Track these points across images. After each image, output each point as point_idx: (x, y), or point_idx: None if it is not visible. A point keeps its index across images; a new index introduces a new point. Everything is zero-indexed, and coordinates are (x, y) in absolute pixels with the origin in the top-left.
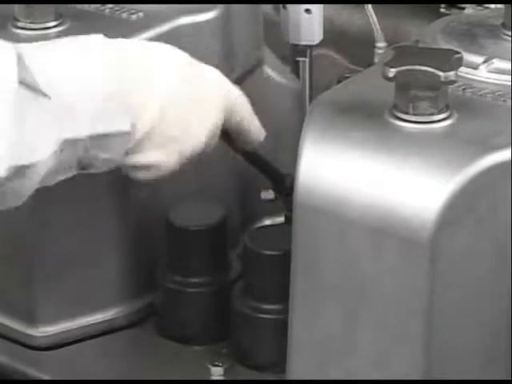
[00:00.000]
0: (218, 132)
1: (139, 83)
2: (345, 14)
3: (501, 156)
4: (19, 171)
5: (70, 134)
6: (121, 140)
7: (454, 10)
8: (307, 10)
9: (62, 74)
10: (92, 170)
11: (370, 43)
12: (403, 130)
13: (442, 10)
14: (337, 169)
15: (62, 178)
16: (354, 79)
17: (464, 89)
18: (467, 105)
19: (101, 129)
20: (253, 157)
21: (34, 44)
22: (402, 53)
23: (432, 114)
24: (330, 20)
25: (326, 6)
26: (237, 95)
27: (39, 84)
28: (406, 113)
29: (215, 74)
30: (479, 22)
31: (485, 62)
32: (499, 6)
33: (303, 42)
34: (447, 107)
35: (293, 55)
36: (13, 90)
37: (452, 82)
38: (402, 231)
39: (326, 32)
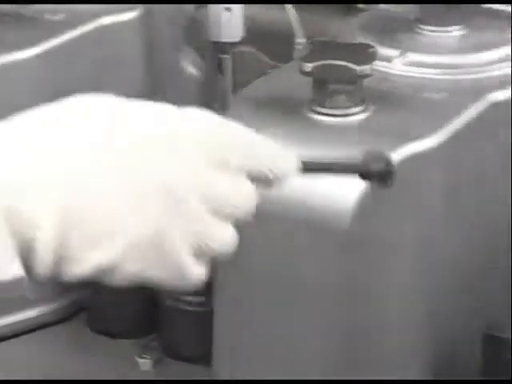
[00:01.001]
0: None
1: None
2: (265, 12)
3: (416, 147)
4: None
5: None
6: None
7: (371, 6)
8: (227, 9)
9: None
10: None
11: (291, 40)
12: (321, 124)
13: (360, 6)
14: None
15: None
16: (272, 75)
17: (380, 82)
18: (383, 97)
19: None
20: None
21: None
22: (319, 48)
23: (349, 107)
24: (251, 18)
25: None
26: None
27: None
28: (324, 106)
29: None
30: (394, 18)
31: (400, 55)
32: None
33: (224, 40)
34: (363, 100)
35: (214, 53)
36: None
37: (367, 76)
38: (320, 222)
39: (247, 30)
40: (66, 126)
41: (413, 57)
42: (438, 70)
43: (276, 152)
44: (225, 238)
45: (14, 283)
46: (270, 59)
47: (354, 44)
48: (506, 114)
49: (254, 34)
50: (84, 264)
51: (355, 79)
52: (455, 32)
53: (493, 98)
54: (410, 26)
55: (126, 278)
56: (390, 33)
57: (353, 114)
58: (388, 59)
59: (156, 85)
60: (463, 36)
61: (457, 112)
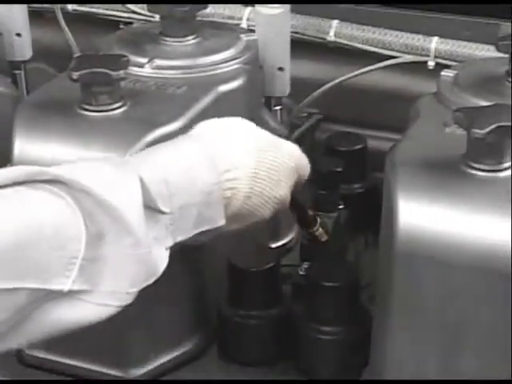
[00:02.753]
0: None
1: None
2: (46, 33)
3: (163, 130)
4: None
5: (174, 241)
6: (218, 228)
7: (127, 25)
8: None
9: (177, 186)
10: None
11: (71, 54)
12: (89, 118)
13: (121, 26)
14: None
15: None
16: (50, 83)
17: (134, 83)
18: (137, 95)
19: (199, 229)
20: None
21: (143, 153)
22: (83, 59)
23: (110, 104)
24: (38, 40)
25: None
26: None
27: (158, 203)
28: (90, 105)
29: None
30: (143, 32)
31: (148, 61)
32: None
33: (17, 58)
34: (122, 98)
35: (10, 69)
36: (140, 214)
37: (122, 79)
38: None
39: (37, 49)
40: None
41: (159, 62)
42: (179, 71)
43: None
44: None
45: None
46: (57, 72)
47: (112, 55)
48: (232, 102)
49: (42, 51)
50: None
51: (113, 82)
52: (191, 41)
53: (221, 89)
54: (155, 38)
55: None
56: (140, 44)
57: (114, 109)
58: (140, 65)
59: None
60: (197, 43)
61: (193, 102)
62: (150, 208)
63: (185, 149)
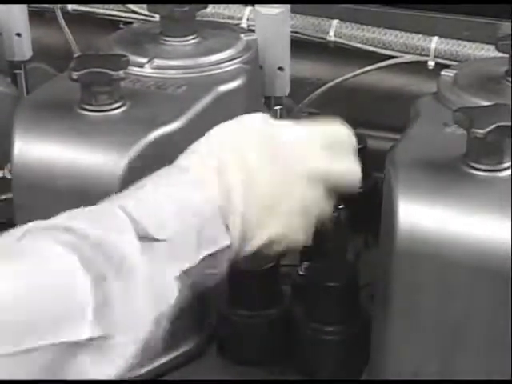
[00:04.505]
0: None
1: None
2: (49, 32)
3: (163, 130)
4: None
5: (181, 268)
6: (226, 252)
7: (128, 25)
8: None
9: (167, 213)
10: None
11: (71, 55)
12: (89, 118)
13: (121, 26)
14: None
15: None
16: (50, 83)
17: (134, 83)
18: (137, 95)
19: (205, 253)
20: None
21: (134, 187)
22: (83, 59)
23: (110, 104)
24: (38, 40)
25: None
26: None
27: (151, 232)
28: (91, 105)
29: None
30: (143, 32)
31: (148, 61)
32: None
33: (17, 58)
34: (121, 97)
35: (10, 69)
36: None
37: (122, 79)
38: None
39: (38, 49)
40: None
41: (159, 62)
42: (179, 71)
43: None
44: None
45: (227, 250)
46: (57, 72)
47: (112, 55)
48: (232, 102)
49: (44, 51)
50: (259, 237)
51: (112, 82)
52: (190, 41)
53: (221, 89)
54: (155, 38)
55: (284, 246)
56: (140, 44)
57: (114, 109)
58: (140, 65)
59: None
60: (197, 43)
61: (193, 102)
62: (144, 238)
63: (171, 179)
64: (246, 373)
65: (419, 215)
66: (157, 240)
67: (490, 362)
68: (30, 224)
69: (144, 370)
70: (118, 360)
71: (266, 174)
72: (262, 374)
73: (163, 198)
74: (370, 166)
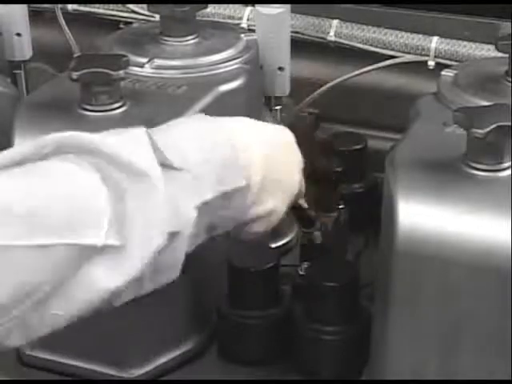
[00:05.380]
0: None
1: (242, 142)
2: (48, 33)
3: None
4: (172, 237)
5: (201, 200)
6: (240, 195)
7: (128, 25)
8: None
9: (189, 147)
10: (217, 232)
11: (71, 54)
12: (89, 118)
13: (121, 26)
14: None
15: (197, 242)
16: (50, 83)
17: (134, 83)
18: (137, 95)
19: (222, 189)
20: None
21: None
22: (83, 59)
23: (110, 104)
24: (37, 40)
25: None
26: None
27: (173, 161)
28: (91, 104)
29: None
30: (143, 32)
31: (148, 61)
32: None
33: (17, 58)
34: (121, 97)
35: (10, 69)
36: (159, 174)
37: (122, 79)
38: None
39: (38, 49)
40: None
41: (159, 62)
42: (179, 71)
43: None
44: None
45: (241, 193)
46: (57, 71)
47: (112, 55)
48: (232, 102)
49: (41, 51)
50: (265, 205)
51: (112, 82)
52: (190, 41)
53: (221, 89)
54: (155, 38)
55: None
56: (140, 44)
57: (114, 109)
58: (140, 65)
59: None
60: (197, 43)
61: (193, 102)
62: (166, 166)
63: (196, 122)
64: (246, 373)
65: (419, 215)
66: (179, 170)
67: (490, 362)
68: (59, 138)
69: (144, 370)
70: (129, 270)
71: (280, 156)
72: (262, 374)
73: (187, 132)
74: (370, 166)
